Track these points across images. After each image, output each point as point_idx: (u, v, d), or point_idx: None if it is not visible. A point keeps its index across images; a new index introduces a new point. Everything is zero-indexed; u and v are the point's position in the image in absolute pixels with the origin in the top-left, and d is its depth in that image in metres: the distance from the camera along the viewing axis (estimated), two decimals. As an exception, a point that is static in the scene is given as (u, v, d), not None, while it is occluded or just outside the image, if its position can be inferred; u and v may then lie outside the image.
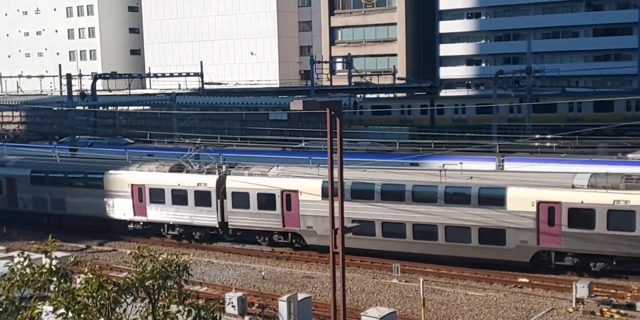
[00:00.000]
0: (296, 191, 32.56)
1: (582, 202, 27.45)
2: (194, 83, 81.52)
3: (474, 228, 29.24)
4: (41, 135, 71.07)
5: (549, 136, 41.42)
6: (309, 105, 17.05)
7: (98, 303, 12.19)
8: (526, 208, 28.21)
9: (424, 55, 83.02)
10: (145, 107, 70.91)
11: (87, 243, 37.21)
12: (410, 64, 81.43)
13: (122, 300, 12.46)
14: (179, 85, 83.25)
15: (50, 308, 12.19)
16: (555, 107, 53.86)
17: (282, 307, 23.23)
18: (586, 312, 24.56)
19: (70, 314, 12.00)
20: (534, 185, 28.43)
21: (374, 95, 70.59)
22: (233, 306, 23.76)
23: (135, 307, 12.87)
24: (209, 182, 34.68)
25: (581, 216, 27.57)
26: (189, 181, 35.27)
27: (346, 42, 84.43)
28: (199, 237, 36.00)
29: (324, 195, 31.06)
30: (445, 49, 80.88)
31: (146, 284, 12.78)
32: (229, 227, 34.79)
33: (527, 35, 67.57)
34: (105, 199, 37.70)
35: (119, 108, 70.53)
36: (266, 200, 33.24)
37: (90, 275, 12.26)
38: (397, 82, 75.84)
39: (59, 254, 17.88)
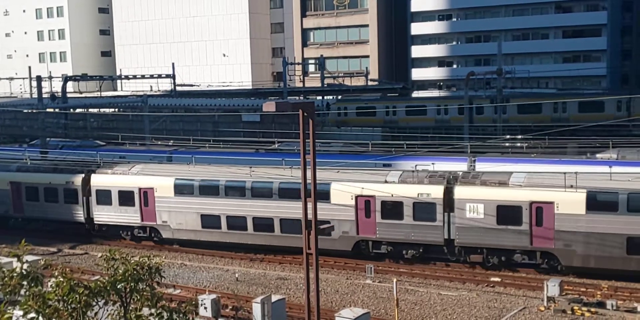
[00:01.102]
0: (152, 188, 35.01)
1: (392, 196, 30.09)
2: (165, 85, 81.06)
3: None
4: (11, 138, 70.18)
5: (519, 137, 41.84)
6: (281, 106, 17.09)
7: (69, 307, 12.08)
8: (347, 201, 30.90)
9: (396, 57, 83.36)
10: (117, 109, 70.39)
11: (58, 246, 36.87)
12: (383, 66, 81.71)
13: (94, 303, 12.36)
14: (151, 87, 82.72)
15: (21, 312, 12.07)
16: (603, 106, 53.45)
17: (256, 308, 23.20)
18: (557, 310, 24.83)
19: (41, 318, 11.89)
20: (353, 181, 31.06)
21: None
22: (206, 308, 23.67)
23: (107, 310, 12.78)
24: (76, 180, 37.33)
25: (391, 208, 30.38)
26: (59, 179, 37.99)
27: (318, 43, 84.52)
28: (70, 233, 38.17)
29: (177, 192, 34.54)
30: (417, 51, 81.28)
31: (118, 286, 12.70)
32: (95, 222, 37.24)
33: (498, 37, 68.17)
34: None
35: (90, 110, 69.95)
36: (126, 197, 35.81)
37: (61, 279, 12.15)
38: (370, 83, 76.08)
39: (30, 258, 17.75)
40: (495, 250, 29.43)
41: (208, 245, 34.79)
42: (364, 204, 30.81)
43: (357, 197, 30.80)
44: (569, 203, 27.74)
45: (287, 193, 31.87)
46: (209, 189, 33.81)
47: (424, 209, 29.82)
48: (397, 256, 31.34)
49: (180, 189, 34.44)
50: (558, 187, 28.00)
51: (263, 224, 32.86)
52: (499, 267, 29.76)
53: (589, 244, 27.73)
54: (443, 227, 29.71)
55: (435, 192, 29.66)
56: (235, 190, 33.30)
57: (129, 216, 35.79)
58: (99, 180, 36.53)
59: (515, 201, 28.52)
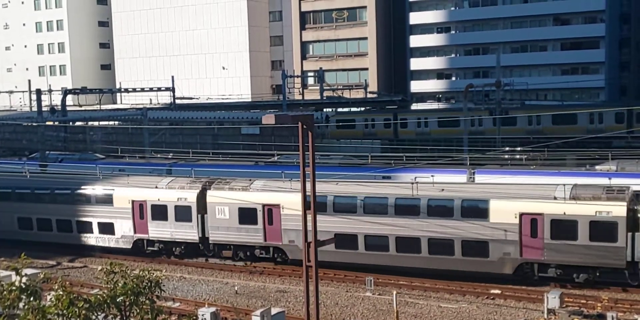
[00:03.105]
0: None
1: (159, 200, 34.74)
2: (165, 98, 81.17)
3: (96, 221, 36.52)
4: (11, 151, 70.19)
5: (519, 148, 41.88)
6: (280, 119, 17.14)
7: (69, 320, 12.07)
8: (126, 205, 35.37)
9: (395, 69, 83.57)
10: (116, 122, 70.48)
11: (57, 259, 36.79)
12: (382, 78, 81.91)
13: (93, 317, 12.36)
14: (150, 100, 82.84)
15: (20, 326, 12.05)
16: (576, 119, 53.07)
17: (256, 322, 23.13)
18: (558, 322, 24.77)
19: (40, 332, 11.87)
20: (131, 187, 35.72)
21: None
22: (206, 322, 23.61)
23: (107, 323, 12.77)
24: None
25: (159, 211, 34.78)
26: None
27: (317, 56, 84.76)
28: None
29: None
30: (415, 63, 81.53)
31: (118, 300, 12.69)
32: None
33: (496, 49, 68.39)
34: None
35: (90, 123, 70.01)
36: None
37: (61, 292, 12.14)
38: (369, 96, 76.24)
39: (29, 271, 17.71)
40: (241, 246, 33.92)
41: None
42: (139, 207, 35.21)
43: (133, 201, 35.25)
44: (291, 205, 31.48)
45: (63, 198, 37.48)
46: (23, 196, 38.71)
47: (182, 211, 34.19)
48: (169, 253, 35.61)
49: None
50: (284, 192, 32.41)
51: (54, 224, 38.11)
52: (244, 260, 34.13)
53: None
54: (198, 226, 34.13)
55: (191, 196, 34.08)
56: (44, 196, 38.39)
57: None
58: None
59: (252, 204, 32.86)
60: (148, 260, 35.83)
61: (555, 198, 28.49)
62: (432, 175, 32.86)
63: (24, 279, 12.54)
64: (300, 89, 79.87)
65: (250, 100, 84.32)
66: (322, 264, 32.10)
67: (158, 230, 35.06)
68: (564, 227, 28.08)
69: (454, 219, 29.56)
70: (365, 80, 79.46)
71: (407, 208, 30.44)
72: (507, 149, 43.31)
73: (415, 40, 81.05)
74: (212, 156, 47.72)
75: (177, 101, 76.06)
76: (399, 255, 30.70)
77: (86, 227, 36.92)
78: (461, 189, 30.52)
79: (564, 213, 28.04)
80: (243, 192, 33.20)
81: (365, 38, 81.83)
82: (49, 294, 12.56)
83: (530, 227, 28.50)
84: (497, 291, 28.94)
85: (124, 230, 35.78)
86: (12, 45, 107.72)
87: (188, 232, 34.38)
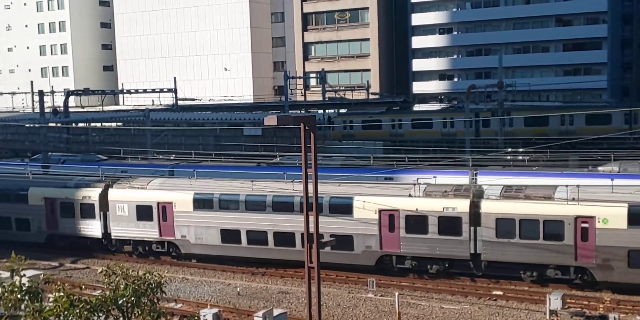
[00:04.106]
0: None
1: (67, 198, 37.19)
2: (167, 99, 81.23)
3: (13, 218, 39.20)
4: (13, 153, 70.24)
5: (521, 150, 41.83)
6: (283, 120, 17.13)
7: (70, 321, 12.05)
8: (38, 202, 38.03)
9: (397, 70, 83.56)
10: (119, 124, 70.53)
11: (59, 261, 36.82)
12: (384, 79, 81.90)
13: (95, 318, 12.34)
14: (153, 101, 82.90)
15: (22, 327, 12.05)
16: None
17: (258, 323, 23.11)
18: (560, 324, 24.74)
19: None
20: (44, 186, 38.35)
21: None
22: (208, 323, 23.60)
23: (108, 325, 12.76)
24: None
25: (67, 208, 37.24)
26: None
27: (320, 57, 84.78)
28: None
29: None
30: (417, 64, 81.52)
31: (119, 302, 12.67)
32: None
33: (498, 50, 68.35)
34: None
35: (92, 124, 70.07)
36: None
37: (61, 294, 12.14)
38: (371, 97, 76.24)
39: (31, 272, 17.72)
40: (140, 242, 35.92)
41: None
42: (50, 204, 37.76)
43: (45, 198, 37.78)
44: (183, 203, 34.18)
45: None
46: None
47: (87, 209, 36.58)
48: (77, 248, 37.67)
49: None
50: (177, 190, 34.58)
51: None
52: (143, 255, 36.03)
53: (198, 235, 34.33)
54: (100, 223, 36.44)
55: (94, 194, 36.42)
56: None
57: None
58: None
59: (148, 202, 34.98)
60: (150, 262, 35.86)
61: (410, 195, 30.47)
62: (434, 177, 32.85)
63: (25, 280, 12.53)
64: (303, 90, 79.86)
65: (252, 101, 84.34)
66: (205, 257, 34.40)
67: (67, 226, 37.48)
68: (416, 222, 30.15)
69: (323, 215, 30.66)
70: (368, 81, 79.45)
71: (284, 205, 32.39)
72: (509, 150, 43.24)
73: (417, 41, 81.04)
74: (215, 157, 47.74)
75: (180, 102, 76.09)
76: (277, 248, 32.68)
77: (5, 223, 39.43)
78: (331, 187, 31.89)
79: (417, 209, 30.06)
80: (141, 190, 35.41)
81: (367, 39, 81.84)
82: (52, 295, 12.55)
83: (388, 222, 30.54)
84: (500, 292, 28.92)
85: (39, 226, 38.29)
86: (15, 46, 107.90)
87: (92, 228, 36.71)
